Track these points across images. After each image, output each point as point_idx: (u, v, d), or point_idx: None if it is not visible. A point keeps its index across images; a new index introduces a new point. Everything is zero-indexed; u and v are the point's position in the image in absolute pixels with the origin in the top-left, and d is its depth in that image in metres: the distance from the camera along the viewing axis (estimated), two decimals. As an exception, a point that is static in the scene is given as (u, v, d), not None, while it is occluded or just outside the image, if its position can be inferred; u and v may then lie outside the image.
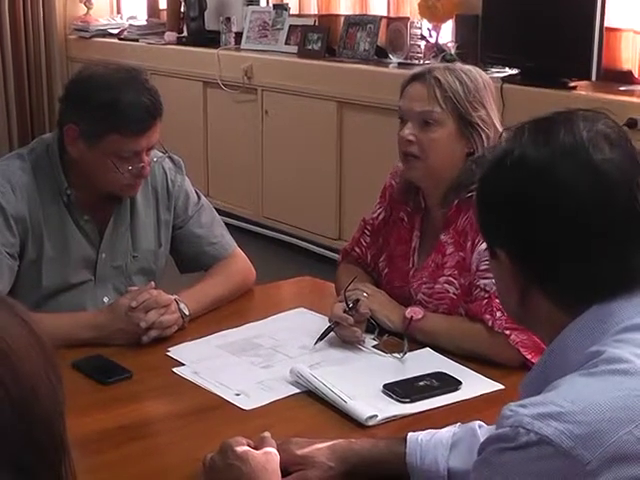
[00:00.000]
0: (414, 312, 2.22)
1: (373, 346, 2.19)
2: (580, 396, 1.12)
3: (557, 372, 1.21)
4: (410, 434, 1.64)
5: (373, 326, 2.22)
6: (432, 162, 2.24)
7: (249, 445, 1.57)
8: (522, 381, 1.33)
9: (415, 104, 2.25)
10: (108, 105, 2.23)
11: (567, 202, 1.22)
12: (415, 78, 2.27)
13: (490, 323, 2.11)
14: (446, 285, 2.25)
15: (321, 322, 2.29)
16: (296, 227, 5.55)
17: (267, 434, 1.62)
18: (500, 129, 2.25)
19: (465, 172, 2.20)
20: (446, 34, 5.01)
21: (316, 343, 2.19)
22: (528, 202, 1.25)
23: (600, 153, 1.23)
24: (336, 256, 5.03)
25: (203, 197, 2.61)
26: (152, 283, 2.32)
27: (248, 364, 2.11)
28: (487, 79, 2.31)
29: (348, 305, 2.20)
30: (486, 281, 2.13)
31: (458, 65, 2.33)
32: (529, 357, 2.05)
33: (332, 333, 2.21)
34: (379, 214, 2.45)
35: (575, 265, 1.24)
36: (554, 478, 1.08)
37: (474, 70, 2.30)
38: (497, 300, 2.03)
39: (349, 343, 2.19)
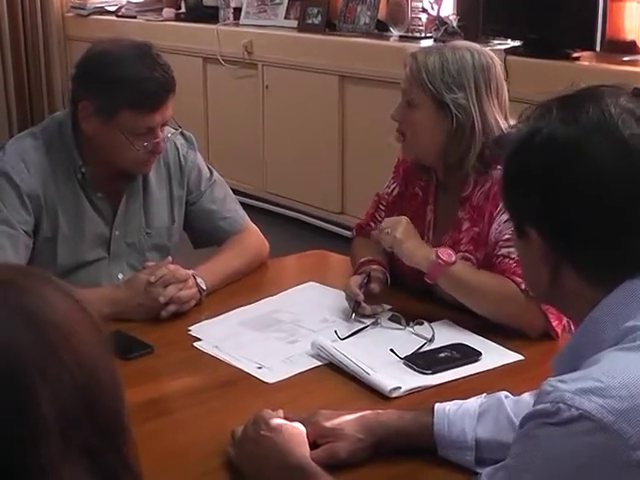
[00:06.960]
0: (445, 254, 2.12)
1: (389, 318, 2.19)
2: (620, 371, 1.12)
3: (591, 348, 1.21)
4: (437, 405, 1.64)
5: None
6: (413, 142, 2.26)
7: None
8: (554, 357, 1.33)
9: (402, 83, 2.27)
10: (122, 81, 2.23)
11: (600, 177, 1.22)
12: (409, 56, 2.25)
13: (523, 286, 2.04)
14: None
15: (334, 295, 2.30)
16: (299, 202, 5.55)
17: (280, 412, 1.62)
18: (494, 115, 2.19)
19: (482, 151, 2.20)
20: (447, 7, 4.99)
21: (352, 315, 2.19)
22: (560, 179, 1.24)
23: (629, 128, 1.23)
24: (339, 230, 5.11)
25: (215, 172, 2.61)
26: (170, 258, 2.33)
27: (274, 340, 2.11)
28: (486, 62, 2.20)
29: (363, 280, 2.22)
30: (510, 249, 2.10)
31: (456, 44, 2.28)
32: (555, 324, 2.06)
33: (350, 309, 2.22)
34: (393, 189, 2.45)
35: (608, 240, 1.24)
36: (596, 453, 1.09)
37: (471, 51, 2.21)
38: None
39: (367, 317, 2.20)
